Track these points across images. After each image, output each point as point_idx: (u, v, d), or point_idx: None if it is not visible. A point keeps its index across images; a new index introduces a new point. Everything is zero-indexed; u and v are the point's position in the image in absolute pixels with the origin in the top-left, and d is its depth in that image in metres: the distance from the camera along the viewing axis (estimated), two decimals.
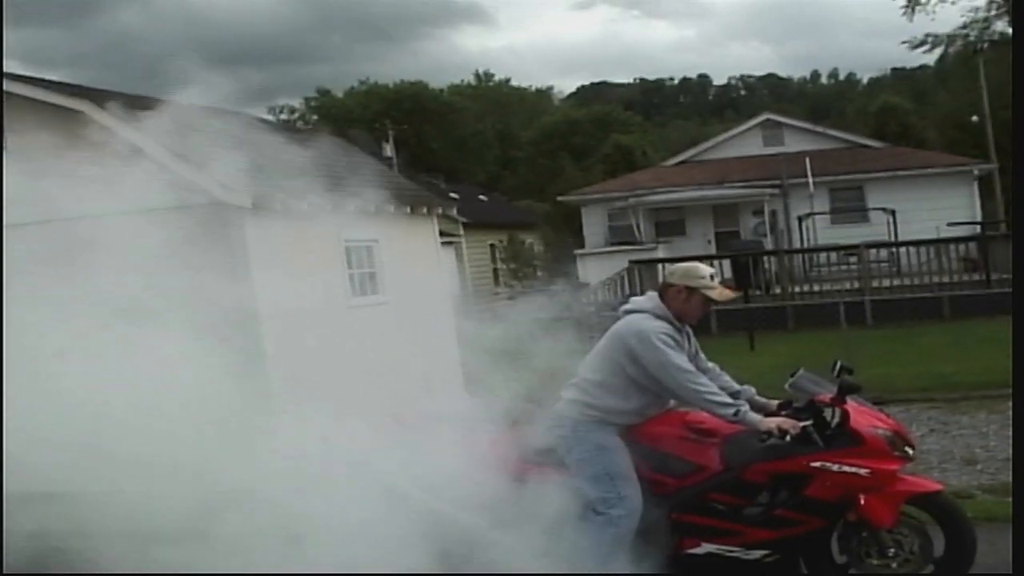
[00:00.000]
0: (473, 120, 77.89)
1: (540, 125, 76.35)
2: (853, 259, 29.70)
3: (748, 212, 37.89)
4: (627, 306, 6.85)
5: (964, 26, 60.56)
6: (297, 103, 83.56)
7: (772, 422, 6.31)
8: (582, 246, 37.42)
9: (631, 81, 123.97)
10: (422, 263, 16.97)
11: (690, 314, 6.75)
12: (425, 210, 17.59)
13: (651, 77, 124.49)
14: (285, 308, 10.30)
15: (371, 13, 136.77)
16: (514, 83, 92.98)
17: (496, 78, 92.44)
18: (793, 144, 40.54)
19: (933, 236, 29.34)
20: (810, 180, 35.93)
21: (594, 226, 38.74)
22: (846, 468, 6.34)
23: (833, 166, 37.41)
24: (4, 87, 12.57)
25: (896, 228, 33.89)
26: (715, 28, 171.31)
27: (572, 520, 6.44)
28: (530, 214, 52.74)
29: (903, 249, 29.28)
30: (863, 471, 6.34)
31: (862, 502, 6.37)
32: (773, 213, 36.88)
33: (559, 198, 42.55)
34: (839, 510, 6.45)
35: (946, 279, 26.57)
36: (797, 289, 28.21)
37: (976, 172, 37.87)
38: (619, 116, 78.32)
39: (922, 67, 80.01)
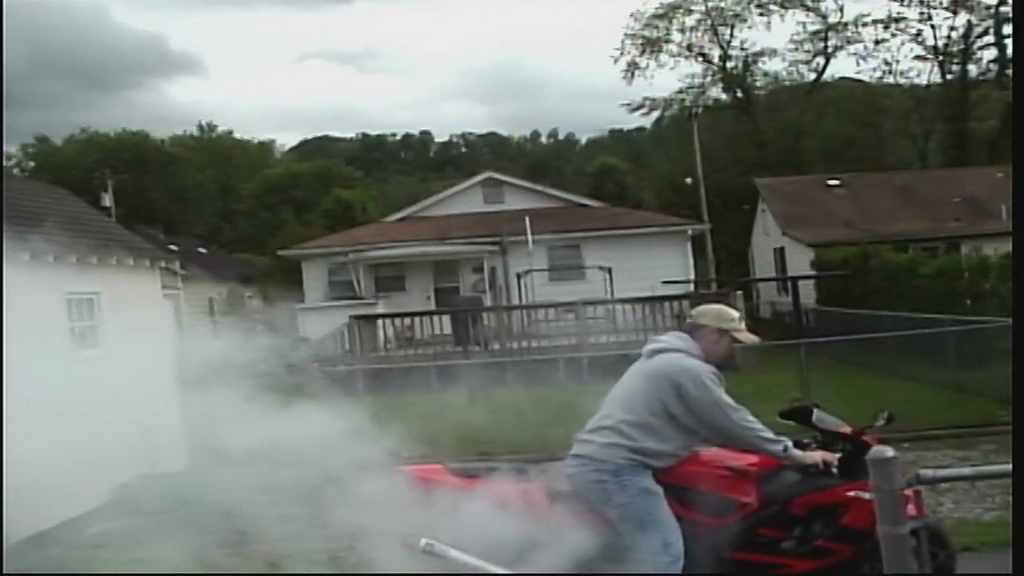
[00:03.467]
0: (194, 172, 76.15)
1: (261, 178, 75.42)
2: (571, 315, 30.06)
3: (468, 268, 38.01)
4: (655, 345, 6.80)
5: (680, 91, 63.41)
6: (14, 149, 79.79)
7: (817, 456, 6.62)
8: (303, 300, 36.71)
9: (353, 136, 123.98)
10: (144, 316, 16.13)
11: (719, 356, 6.78)
12: (148, 262, 16.76)
13: (373, 132, 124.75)
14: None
15: (83, 60, 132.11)
16: (237, 135, 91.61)
17: (219, 130, 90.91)
18: (513, 202, 41.05)
19: (648, 294, 29.88)
20: (529, 238, 36.32)
21: (315, 280, 38.13)
22: None
23: (552, 224, 37.90)
24: None
25: (612, 285, 34.50)
26: (431, 88, 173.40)
27: (617, 569, 6.40)
28: (250, 268, 51.71)
29: (619, 306, 29.79)
30: None
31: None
32: (492, 270, 37.12)
33: (280, 252, 41.81)
34: (867, 538, 6.47)
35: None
36: (516, 345, 28.22)
37: (690, 232, 39.01)
38: (340, 171, 78.12)
39: (639, 129, 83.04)
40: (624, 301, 29.73)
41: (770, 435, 6.56)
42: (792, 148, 58.84)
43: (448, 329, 29.29)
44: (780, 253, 41.91)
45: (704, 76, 63.36)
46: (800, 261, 37.17)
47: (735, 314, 6.89)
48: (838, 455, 6.70)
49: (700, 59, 62.73)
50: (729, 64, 62.47)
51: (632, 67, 62.18)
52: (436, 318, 30.02)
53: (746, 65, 62.54)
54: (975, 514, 10.28)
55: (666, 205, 51.03)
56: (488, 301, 35.06)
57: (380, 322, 29.93)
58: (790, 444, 6.60)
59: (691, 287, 35.13)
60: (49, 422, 11.39)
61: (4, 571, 4.82)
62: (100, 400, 13.34)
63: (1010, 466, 6.20)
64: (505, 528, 6.42)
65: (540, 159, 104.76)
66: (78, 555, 10.70)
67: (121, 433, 13.27)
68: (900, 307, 23.88)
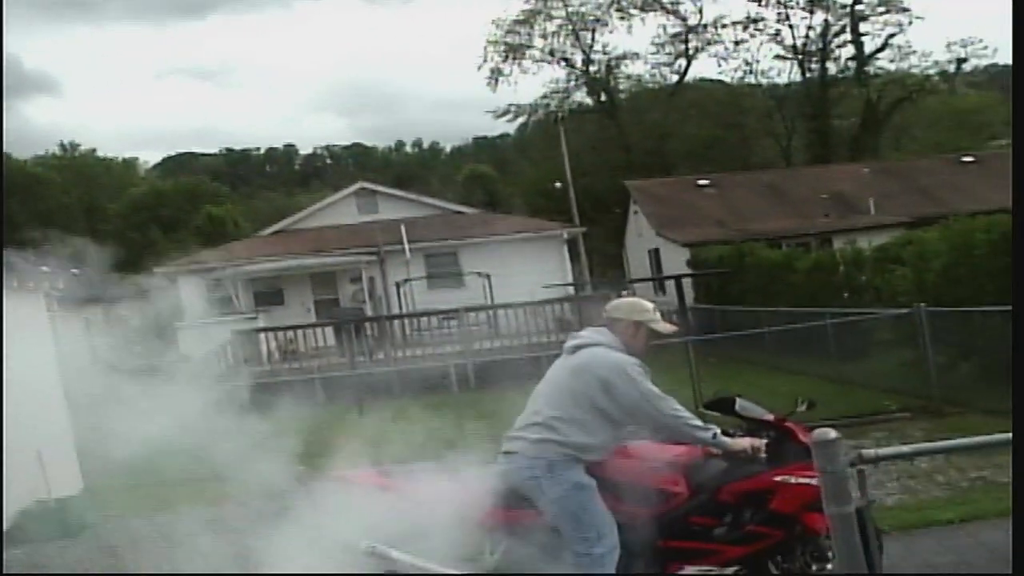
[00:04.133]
0: (59, 193, 74.35)
1: (128, 197, 74.01)
2: (453, 323, 30.13)
3: (346, 279, 37.89)
4: (577, 341, 6.84)
5: (545, 96, 64.03)
6: None
7: (745, 443, 6.70)
8: (181, 318, 36.15)
9: (217, 151, 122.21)
10: (32, 339, 15.77)
11: (638, 348, 6.82)
12: (32, 284, 16.39)
13: (237, 147, 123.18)
14: None
15: None
16: (100, 154, 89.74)
17: (81, 149, 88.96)
18: (388, 212, 41.00)
19: (527, 299, 30.07)
20: (406, 246, 36.34)
21: (192, 298, 37.55)
22: (803, 480, 6.64)
23: (428, 232, 38.00)
24: None
25: (492, 291, 34.66)
26: (292, 102, 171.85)
27: (555, 564, 6.46)
28: (124, 287, 50.73)
29: (501, 311, 29.97)
30: (815, 481, 6.31)
31: (805, 513, 6.73)
32: (371, 280, 37.04)
33: (156, 270, 41.10)
34: (796, 521, 6.78)
35: (544, 339, 27.23)
36: (400, 354, 28.22)
37: (565, 236, 39.37)
38: (207, 187, 77.05)
39: (503, 136, 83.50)
40: (505, 306, 29.89)
41: (698, 423, 6.66)
42: (657, 150, 59.72)
43: (331, 341, 29.17)
44: (655, 254, 42.49)
45: (568, 81, 64.14)
46: (675, 261, 37.71)
47: (649, 306, 6.96)
48: (764, 442, 6.81)
49: (563, 64, 63.50)
50: (592, 68, 63.31)
51: (496, 74, 62.75)
52: (319, 331, 29.85)
53: (609, 69, 63.44)
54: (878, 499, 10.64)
55: (536, 211, 51.35)
56: (369, 311, 34.98)
57: (263, 336, 29.66)
58: (719, 431, 6.71)
59: (570, 290, 35.44)
60: None
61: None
62: None
63: (941, 443, 6.52)
64: (444, 527, 6.46)
65: (406, 169, 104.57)
66: None
67: (13, 457, 13.11)
68: (778, 303, 24.30)
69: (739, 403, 7.12)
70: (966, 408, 14.79)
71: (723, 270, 30.16)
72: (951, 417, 14.64)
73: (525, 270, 35.20)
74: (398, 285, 35.79)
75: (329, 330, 29.50)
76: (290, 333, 30.05)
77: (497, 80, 62.69)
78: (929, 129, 61.34)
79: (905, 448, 5.13)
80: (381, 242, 36.59)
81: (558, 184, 49.23)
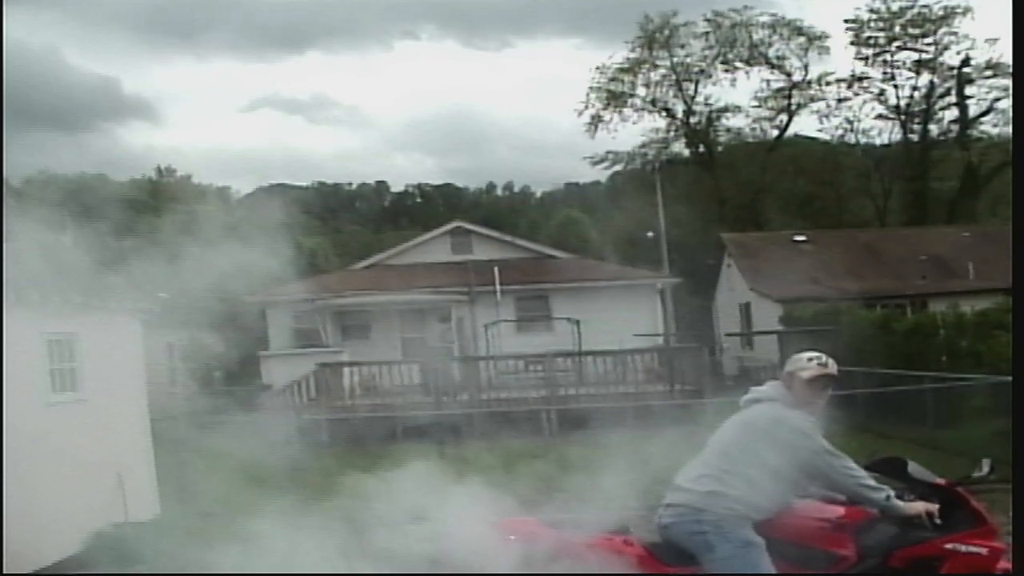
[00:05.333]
0: (151, 214, 75.23)
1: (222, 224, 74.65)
2: (539, 367, 29.80)
3: (435, 318, 37.66)
4: (752, 395, 6.81)
5: (643, 145, 63.80)
6: None
7: (919, 507, 6.47)
8: (266, 348, 36.17)
9: (308, 184, 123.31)
10: (122, 361, 15.72)
11: (815, 403, 6.71)
12: (127, 305, 16.32)
13: (329, 181, 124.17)
14: None
15: (35, 101, 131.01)
16: (195, 180, 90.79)
17: (178, 174, 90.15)
18: (481, 252, 40.79)
19: (617, 347, 29.62)
20: (497, 288, 36.07)
21: (279, 327, 37.59)
22: (972, 548, 6.51)
23: (520, 275, 37.75)
24: None
25: (580, 338, 34.27)
26: (382, 138, 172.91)
27: None
28: (213, 314, 51.02)
29: (588, 358, 29.58)
30: (984, 551, 6.54)
31: None
32: (460, 319, 36.80)
33: (246, 298, 41.21)
34: None
35: (630, 389, 26.76)
36: (484, 396, 27.90)
37: (659, 286, 38.91)
38: (299, 218, 77.66)
39: (595, 183, 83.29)
40: (593, 353, 29.53)
41: (872, 483, 6.50)
42: (752, 204, 59.23)
43: (414, 379, 28.96)
44: (746, 308, 41.91)
45: (667, 131, 63.86)
46: (766, 316, 37.13)
47: (825, 359, 6.77)
48: (936, 507, 6.57)
49: (664, 114, 63.20)
50: (693, 119, 63.00)
51: (595, 120, 62.66)
52: (403, 368, 29.65)
53: (709, 121, 63.10)
54: None
55: (626, 259, 51.07)
56: (456, 351, 34.73)
57: (346, 370, 29.50)
58: (892, 493, 6.52)
59: (659, 340, 34.97)
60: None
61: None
62: (77, 445, 13.04)
63: None
64: None
65: (495, 211, 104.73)
66: None
67: (93, 479, 13.01)
68: (873, 365, 23.73)
69: (911, 465, 6.89)
70: None
71: (819, 327, 29.49)
72: None
73: (616, 318, 34.74)
74: (486, 326, 35.52)
75: (415, 368, 29.30)
76: (374, 368, 29.87)
77: (596, 127, 62.66)
78: None
79: None
80: (473, 282, 36.38)
81: (650, 234, 48.83)
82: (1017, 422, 4.43)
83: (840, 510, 6.69)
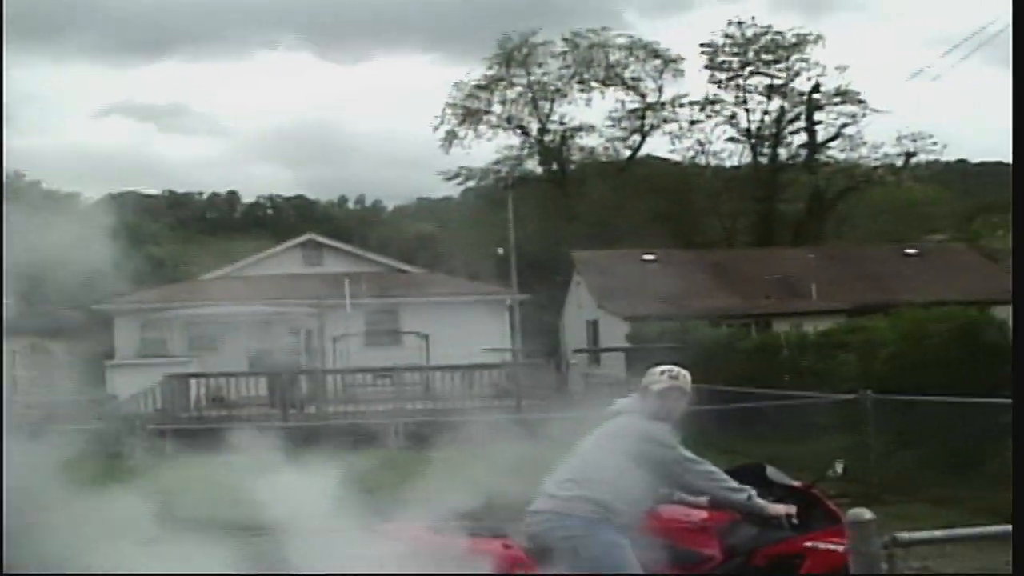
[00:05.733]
0: None
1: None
2: (387, 381, 29.81)
3: (284, 330, 37.36)
4: (615, 407, 7.10)
5: (497, 162, 64.14)
6: None
7: (780, 508, 6.80)
8: (112, 357, 35.49)
9: (159, 192, 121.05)
10: None
11: (672, 414, 7.00)
12: None
13: (180, 190, 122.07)
14: None
15: None
16: (45, 186, 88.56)
17: (26, 179, 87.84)
18: (332, 265, 40.69)
19: (465, 361, 29.79)
20: (347, 301, 35.96)
21: (126, 337, 36.91)
22: (831, 546, 6.85)
23: (370, 289, 37.69)
24: None
25: (429, 352, 34.34)
26: (238, 149, 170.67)
27: None
28: (55, 320, 49.85)
29: (436, 373, 29.68)
30: (840, 547, 6.63)
31: None
32: (309, 332, 36.61)
33: (93, 306, 40.32)
34: None
35: (477, 404, 26.92)
36: (332, 409, 27.81)
37: (508, 301, 39.19)
38: (149, 227, 76.31)
39: (446, 199, 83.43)
40: (441, 368, 29.65)
41: (735, 484, 6.80)
42: (603, 222, 59.82)
43: (262, 391, 28.73)
44: (594, 326, 42.41)
45: (521, 148, 64.33)
46: (614, 334, 37.64)
47: (683, 371, 7.12)
48: (795, 507, 6.93)
49: (519, 131, 63.69)
50: (547, 137, 63.60)
51: (451, 136, 62.83)
52: (251, 380, 29.38)
53: (563, 139, 63.79)
54: None
55: (476, 275, 51.27)
56: (304, 364, 34.55)
57: (193, 382, 29.12)
58: (754, 493, 6.81)
59: (508, 356, 35.23)
60: None
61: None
62: None
63: (977, 529, 6.39)
64: None
65: (347, 224, 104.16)
66: None
67: None
68: (717, 382, 24.22)
69: (769, 470, 7.35)
70: (909, 497, 14.66)
71: (666, 344, 30.02)
72: (891, 505, 14.50)
73: (465, 333, 34.88)
74: (335, 339, 35.39)
75: (262, 380, 29.07)
76: (221, 380, 29.53)
77: (451, 142, 62.85)
78: (872, 219, 62.10)
79: (938, 533, 5.43)
80: (323, 295, 36.21)
81: (500, 250, 49.10)
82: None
83: (704, 513, 7.06)
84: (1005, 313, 15.37)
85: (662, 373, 7.07)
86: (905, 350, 16.88)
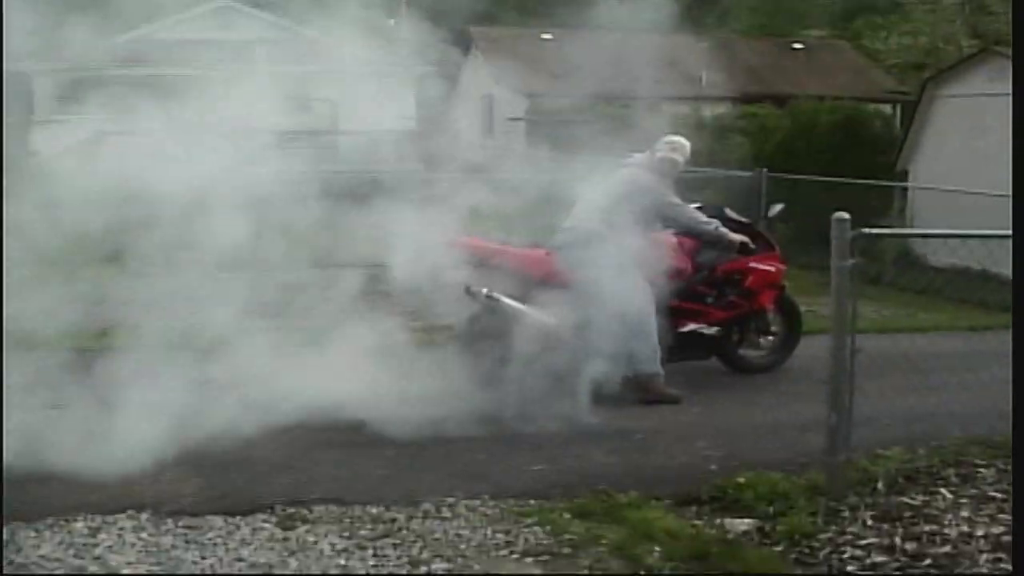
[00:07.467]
0: None
1: None
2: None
3: None
4: (625, 161, 9.27)
5: None
6: None
7: (737, 237, 9.15)
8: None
9: None
10: None
11: (670, 174, 9.25)
12: None
13: None
14: None
15: None
16: None
17: None
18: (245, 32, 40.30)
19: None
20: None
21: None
22: (767, 267, 9.47)
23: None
24: None
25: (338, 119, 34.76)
26: None
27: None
28: None
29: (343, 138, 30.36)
30: (773, 268, 9.52)
31: (763, 291, 9.49)
32: None
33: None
34: (756, 296, 9.45)
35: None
36: None
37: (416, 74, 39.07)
38: None
39: None
40: (349, 133, 30.29)
41: (706, 218, 9.09)
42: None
43: None
44: (489, 100, 42.91)
45: None
46: (508, 110, 38.30)
47: (684, 142, 9.35)
48: (747, 238, 9.30)
49: None
50: None
51: None
52: None
53: None
54: None
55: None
56: None
57: None
58: (720, 224, 9.12)
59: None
60: None
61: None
62: None
63: (941, 231, 8.82)
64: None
65: None
66: None
67: None
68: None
69: (726, 210, 9.63)
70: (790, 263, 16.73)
71: (567, 118, 31.00)
72: None
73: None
74: None
75: None
76: None
77: None
78: (751, 12, 62.49)
79: (900, 231, 7.07)
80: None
81: (392, 22, 48.66)
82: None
83: (683, 240, 9.25)
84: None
85: (666, 143, 9.26)
86: (796, 136, 18.99)
